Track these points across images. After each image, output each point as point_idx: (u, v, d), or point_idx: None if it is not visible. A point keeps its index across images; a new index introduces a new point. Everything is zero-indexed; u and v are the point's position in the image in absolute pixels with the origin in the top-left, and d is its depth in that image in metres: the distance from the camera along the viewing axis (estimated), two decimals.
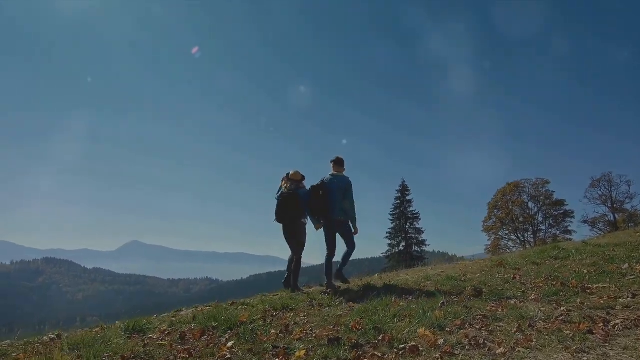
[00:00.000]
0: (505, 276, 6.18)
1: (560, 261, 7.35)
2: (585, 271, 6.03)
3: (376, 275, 8.24)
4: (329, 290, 6.29)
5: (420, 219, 36.44)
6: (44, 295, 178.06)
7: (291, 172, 6.88)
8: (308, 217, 6.83)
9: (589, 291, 4.87)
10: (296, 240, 6.79)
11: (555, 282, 5.34)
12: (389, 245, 36.53)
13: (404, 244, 36.27)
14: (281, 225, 6.81)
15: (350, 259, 6.77)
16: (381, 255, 37.28)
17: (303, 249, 6.88)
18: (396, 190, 37.11)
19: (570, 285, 5.13)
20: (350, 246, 6.74)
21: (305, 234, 6.90)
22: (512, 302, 4.51)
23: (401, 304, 4.75)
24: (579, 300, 4.42)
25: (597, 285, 5.09)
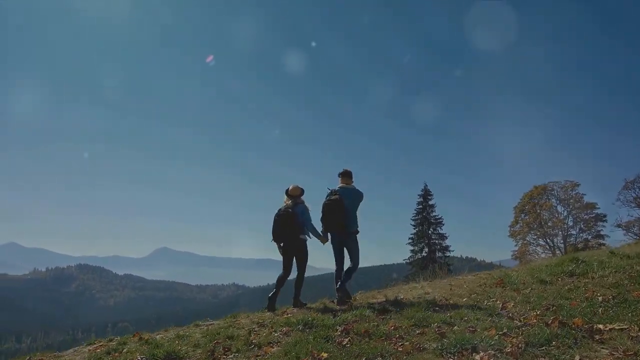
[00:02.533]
0: (497, 303, 4.97)
1: (576, 279, 6.19)
2: (601, 298, 4.64)
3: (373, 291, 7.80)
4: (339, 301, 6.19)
5: (443, 224, 35.48)
6: (77, 301, 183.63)
7: (290, 187, 6.75)
8: (310, 233, 6.65)
9: (597, 337, 3.46)
10: (299, 258, 6.61)
11: (552, 320, 3.85)
12: (412, 251, 35.78)
13: (427, 250, 35.49)
14: (281, 244, 6.66)
15: (371, 265, 6.67)
16: (404, 262, 36.64)
17: (306, 265, 6.68)
18: (418, 195, 36.27)
19: (573, 325, 3.71)
20: (356, 262, 6.59)
21: (306, 251, 6.68)
22: (476, 359, 3.22)
23: None
24: (577, 359, 3.13)
25: (611, 326, 3.66)
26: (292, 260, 6.61)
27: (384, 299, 6.10)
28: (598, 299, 4.62)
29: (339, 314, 4.86)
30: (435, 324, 4.12)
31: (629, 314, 3.99)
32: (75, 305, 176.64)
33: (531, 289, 5.71)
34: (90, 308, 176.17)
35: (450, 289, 6.40)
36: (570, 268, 6.79)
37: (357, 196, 6.64)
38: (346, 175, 6.83)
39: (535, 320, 3.94)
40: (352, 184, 6.83)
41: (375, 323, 4.19)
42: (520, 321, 4.01)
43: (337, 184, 6.80)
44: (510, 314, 4.35)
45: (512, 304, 4.72)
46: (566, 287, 5.55)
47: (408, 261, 35.83)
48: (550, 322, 3.81)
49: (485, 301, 5.09)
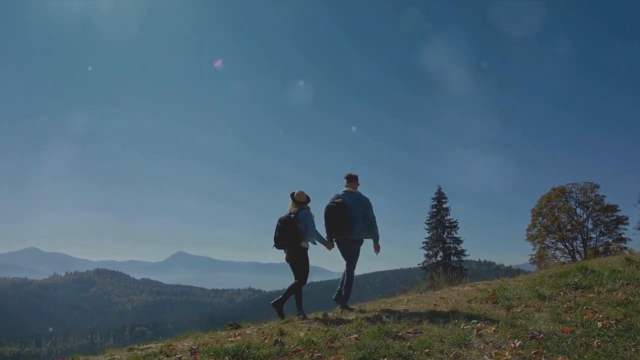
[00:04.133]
0: (476, 325, 4.11)
1: (580, 293, 5.40)
2: (600, 324, 3.74)
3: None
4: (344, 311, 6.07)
5: (458, 228, 34.74)
6: (96, 305, 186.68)
7: (296, 192, 6.51)
8: (314, 240, 6.40)
9: None
10: (298, 267, 6.33)
11: (534, 355, 3.04)
12: (426, 255, 35.05)
13: (441, 254, 34.75)
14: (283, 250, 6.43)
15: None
16: (418, 266, 35.89)
17: (307, 277, 6.39)
18: (432, 198, 35.54)
19: None
20: (352, 272, 6.35)
21: (307, 261, 6.40)
22: None
23: None
24: None
25: None
26: (295, 270, 6.37)
27: (358, 312, 5.77)
28: (596, 324, 3.78)
29: (290, 338, 4.18)
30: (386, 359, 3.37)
31: (632, 350, 3.12)
32: (94, 310, 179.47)
33: (525, 306, 4.96)
34: (109, 312, 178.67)
35: (435, 304, 5.77)
36: (576, 279, 5.99)
37: (361, 202, 6.37)
38: (351, 179, 6.61)
39: (509, 356, 3.16)
40: (357, 188, 6.61)
41: (319, 355, 3.47)
42: (491, 357, 3.23)
43: (343, 187, 6.61)
44: (483, 345, 3.56)
45: (493, 329, 3.92)
46: (565, 305, 4.74)
47: (422, 266, 35.10)
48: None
49: (464, 324, 4.28)
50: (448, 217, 35.15)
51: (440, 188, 35.73)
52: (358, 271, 6.52)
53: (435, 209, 35.42)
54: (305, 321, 5.47)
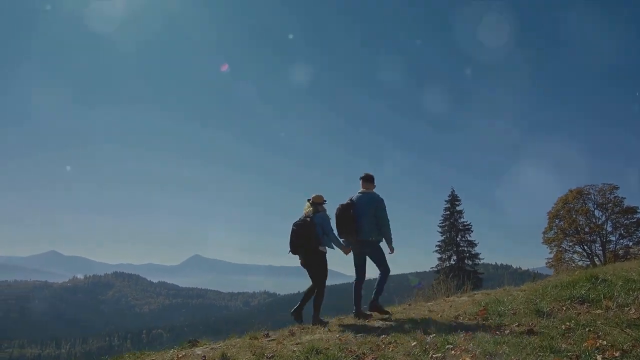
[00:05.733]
0: (450, 353, 3.49)
1: (586, 309, 4.60)
2: (600, 358, 3.08)
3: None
4: (359, 319, 5.83)
5: (472, 231, 34.08)
6: (114, 308, 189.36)
7: (313, 195, 6.36)
8: (331, 244, 6.17)
9: None
10: (316, 273, 6.12)
11: None
12: (439, 259, 34.44)
13: (455, 257, 34.13)
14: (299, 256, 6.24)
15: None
16: (431, 270, 35.28)
17: (324, 282, 6.17)
18: (445, 201, 34.90)
19: None
20: (384, 271, 6.10)
21: (325, 266, 6.18)
22: None
23: None
24: None
25: None
26: (313, 274, 6.19)
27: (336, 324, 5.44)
28: (596, 358, 3.07)
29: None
30: None
31: None
32: (112, 312, 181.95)
33: (517, 325, 4.32)
34: (127, 315, 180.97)
35: (419, 320, 5.22)
36: (583, 291, 5.19)
37: (373, 202, 6.13)
38: (367, 179, 6.37)
39: None
40: (374, 189, 6.36)
41: None
42: None
43: (359, 188, 6.39)
44: None
45: (468, 359, 3.31)
46: (564, 326, 4.00)
47: (436, 269, 34.54)
48: None
49: (433, 351, 3.67)
50: (462, 220, 34.55)
51: (454, 190, 35.12)
52: (369, 274, 6.19)
53: (448, 212, 34.85)
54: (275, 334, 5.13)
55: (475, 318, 4.97)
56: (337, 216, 6.11)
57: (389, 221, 6.14)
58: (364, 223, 6.01)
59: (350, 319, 5.94)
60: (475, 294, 7.62)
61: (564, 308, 4.80)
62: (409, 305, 7.12)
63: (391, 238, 6.13)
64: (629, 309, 4.39)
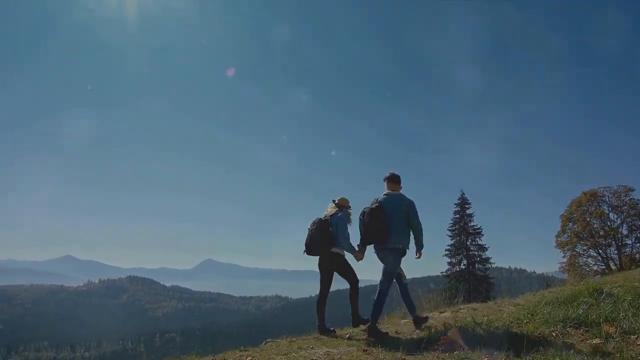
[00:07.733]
0: None
1: (581, 335, 3.78)
2: None
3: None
4: (371, 339, 5.27)
5: (483, 235, 33.43)
6: (128, 311, 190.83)
7: (339, 198, 6.15)
8: (344, 246, 5.82)
9: None
10: (343, 275, 5.92)
11: None
12: (449, 263, 33.83)
13: (465, 262, 33.53)
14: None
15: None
16: (440, 274, 34.71)
17: (356, 280, 5.94)
18: (455, 204, 34.33)
19: None
20: (384, 286, 5.54)
21: (347, 265, 5.91)
22: None
23: None
24: None
25: None
26: (328, 278, 5.97)
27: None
28: None
29: None
30: None
31: None
32: (126, 316, 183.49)
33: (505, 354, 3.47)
34: (140, 319, 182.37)
35: (365, 349, 4.60)
36: (581, 310, 4.19)
37: (404, 206, 5.55)
38: (392, 180, 5.78)
39: None
40: (400, 190, 5.80)
41: None
42: None
43: (384, 190, 5.84)
44: None
45: None
46: None
47: (445, 274, 34.01)
48: None
49: None
50: (472, 224, 33.96)
51: (464, 193, 34.54)
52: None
53: (458, 215, 34.28)
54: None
55: (437, 348, 4.11)
56: (366, 221, 5.49)
57: (421, 225, 5.60)
58: (392, 228, 5.41)
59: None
60: (460, 308, 6.96)
61: (554, 334, 3.97)
62: (385, 318, 6.72)
63: (423, 245, 5.60)
64: (636, 339, 3.39)
